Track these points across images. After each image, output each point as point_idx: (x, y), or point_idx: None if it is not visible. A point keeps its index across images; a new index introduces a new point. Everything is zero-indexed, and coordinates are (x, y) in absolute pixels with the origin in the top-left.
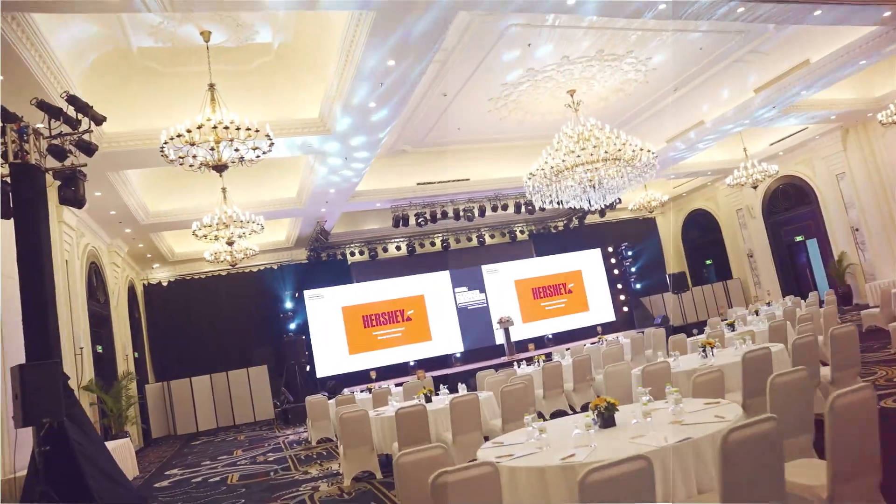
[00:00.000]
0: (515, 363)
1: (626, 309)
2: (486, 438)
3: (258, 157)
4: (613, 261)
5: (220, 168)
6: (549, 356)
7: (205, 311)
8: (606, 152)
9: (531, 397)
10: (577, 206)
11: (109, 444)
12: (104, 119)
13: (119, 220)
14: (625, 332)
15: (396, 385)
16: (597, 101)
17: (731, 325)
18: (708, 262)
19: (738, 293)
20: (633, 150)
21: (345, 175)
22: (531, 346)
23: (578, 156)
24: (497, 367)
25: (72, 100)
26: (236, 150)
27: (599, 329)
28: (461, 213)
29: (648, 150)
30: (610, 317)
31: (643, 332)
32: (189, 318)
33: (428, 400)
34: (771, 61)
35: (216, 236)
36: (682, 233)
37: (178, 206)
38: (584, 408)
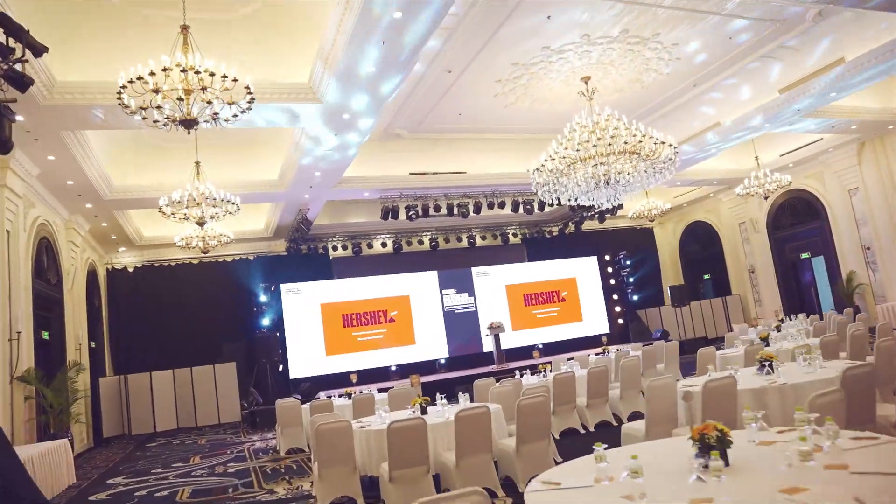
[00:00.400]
0: (517, 371)
1: (621, 321)
2: (495, 462)
3: (235, 115)
4: (610, 270)
5: (188, 124)
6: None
7: (172, 300)
8: (626, 142)
9: (549, 413)
10: (588, 204)
11: (42, 446)
12: (45, 49)
13: (78, 192)
14: (632, 345)
15: (379, 391)
16: (611, 92)
17: (766, 340)
18: (706, 276)
19: (737, 310)
20: (655, 144)
21: (334, 153)
22: (536, 353)
23: (595, 145)
24: (491, 376)
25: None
26: (209, 102)
27: (604, 339)
28: (455, 209)
29: (670, 145)
30: (604, 328)
31: (652, 345)
32: (154, 307)
33: (423, 411)
34: (801, 58)
35: (185, 215)
36: (679, 245)
37: (146, 182)
38: (599, 427)
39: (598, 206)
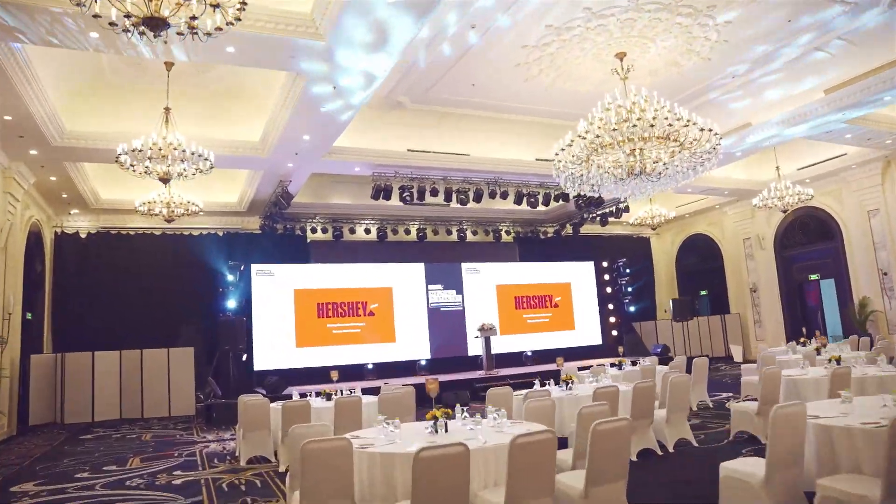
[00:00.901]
0: (537, 381)
1: (615, 333)
2: None
3: (219, 28)
4: (607, 277)
5: (155, 25)
6: (543, 377)
7: (128, 274)
8: (671, 125)
9: (629, 443)
10: (614, 196)
11: None
12: None
13: (18, 132)
14: (649, 358)
15: (364, 392)
16: (644, 75)
17: (838, 361)
18: (703, 292)
19: (735, 329)
20: (701, 131)
21: (329, 111)
22: (560, 360)
23: (634, 125)
24: (481, 382)
25: None
26: None
27: (622, 349)
28: (453, 195)
29: (715, 133)
30: (596, 339)
31: (672, 360)
32: (107, 280)
33: (434, 429)
34: (857, 56)
35: (147, 169)
36: (677, 257)
37: (106, 130)
38: (642, 455)
39: (623, 200)
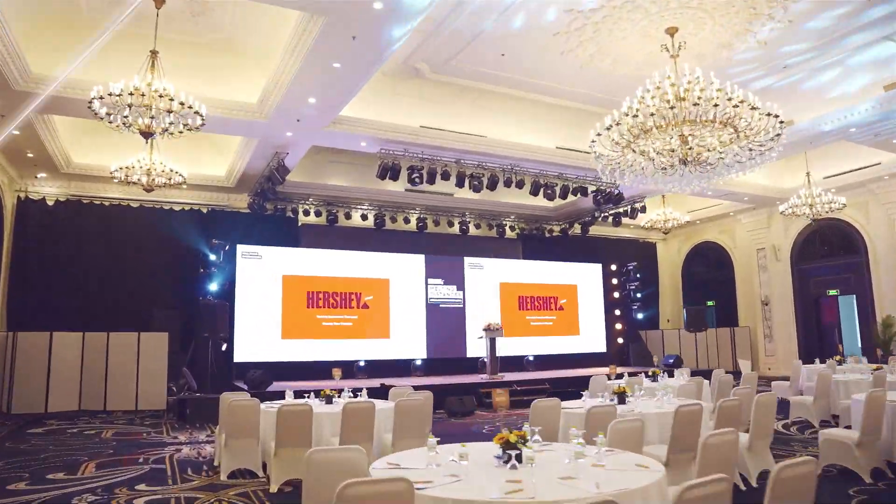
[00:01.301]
0: (583, 394)
1: (620, 340)
2: None
3: None
4: (615, 281)
5: None
6: (554, 385)
7: (99, 247)
8: (736, 106)
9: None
10: (659, 188)
11: None
12: None
13: None
14: (683, 370)
15: (369, 394)
16: (692, 57)
17: None
18: (710, 303)
19: (745, 343)
20: (767, 116)
21: (345, 67)
22: (613, 367)
23: (696, 103)
24: (484, 387)
25: None
26: None
27: (656, 359)
28: (466, 179)
29: (781, 121)
30: (600, 347)
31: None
32: (75, 252)
33: (517, 458)
34: None
35: (126, 121)
36: (683, 265)
37: (79, 77)
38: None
39: (641, 199)
